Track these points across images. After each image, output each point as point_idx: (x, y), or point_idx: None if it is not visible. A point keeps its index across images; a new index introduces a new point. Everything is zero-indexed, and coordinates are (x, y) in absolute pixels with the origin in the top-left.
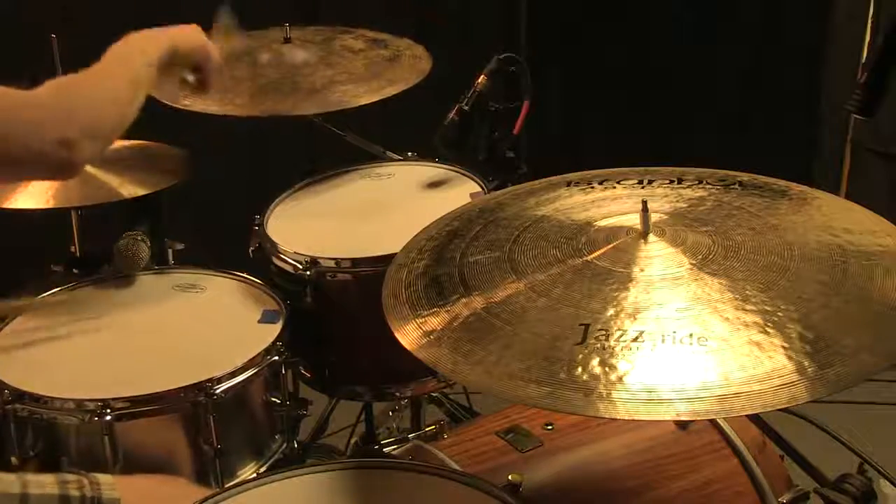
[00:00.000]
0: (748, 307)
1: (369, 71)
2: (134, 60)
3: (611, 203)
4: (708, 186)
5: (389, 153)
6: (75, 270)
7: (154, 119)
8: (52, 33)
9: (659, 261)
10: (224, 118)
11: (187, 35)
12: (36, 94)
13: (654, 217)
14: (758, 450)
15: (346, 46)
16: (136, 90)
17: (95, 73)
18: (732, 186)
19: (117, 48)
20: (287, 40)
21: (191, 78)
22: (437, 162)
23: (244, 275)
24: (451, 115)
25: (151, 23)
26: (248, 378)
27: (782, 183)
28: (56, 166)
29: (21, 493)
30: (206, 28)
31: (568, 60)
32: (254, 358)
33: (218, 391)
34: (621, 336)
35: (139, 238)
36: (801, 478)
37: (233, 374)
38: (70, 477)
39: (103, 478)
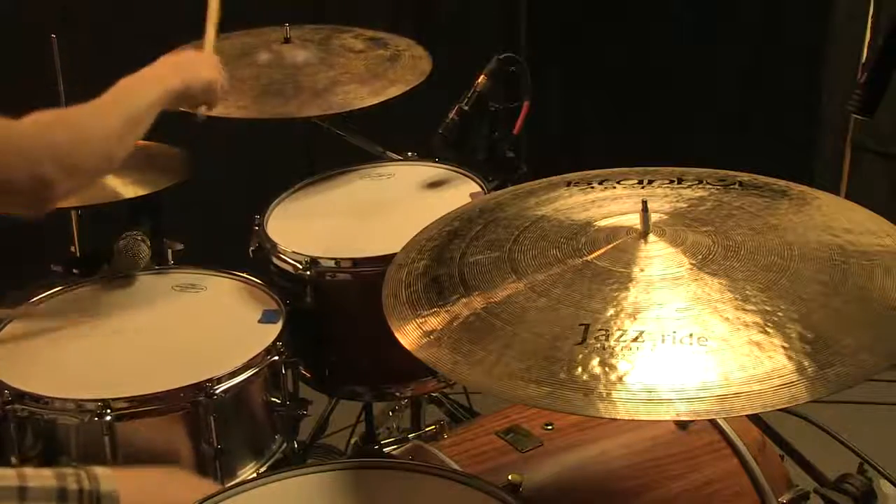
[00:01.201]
0: (748, 307)
1: (370, 71)
2: (138, 98)
3: (611, 203)
4: (708, 186)
5: (389, 153)
6: (75, 270)
7: (154, 119)
8: (52, 33)
9: (659, 261)
10: (224, 118)
11: (201, 75)
12: (18, 125)
13: (654, 217)
14: (758, 450)
15: (345, 46)
16: (132, 128)
17: (91, 107)
18: (732, 186)
19: (126, 82)
20: (287, 40)
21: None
22: (437, 162)
23: (244, 275)
24: (451, 115)
25: (151, 23)
26: (248, 378)
27: (782, 183)
28: (29, 202)
29: (19, 486)
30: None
31: (568, 60)
32: (254, 358)
33: (218, 391)
34: (621, 336)
35: (139, 238)
36: (801, 478)
37: (233, 374)
38: (68, 470)
39: (101, 470)
